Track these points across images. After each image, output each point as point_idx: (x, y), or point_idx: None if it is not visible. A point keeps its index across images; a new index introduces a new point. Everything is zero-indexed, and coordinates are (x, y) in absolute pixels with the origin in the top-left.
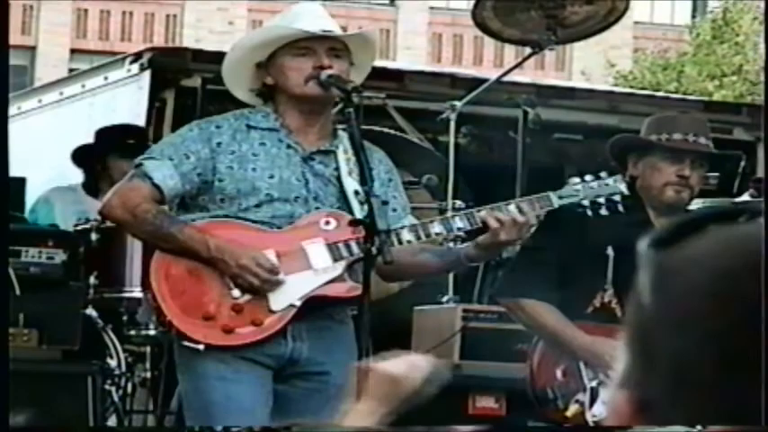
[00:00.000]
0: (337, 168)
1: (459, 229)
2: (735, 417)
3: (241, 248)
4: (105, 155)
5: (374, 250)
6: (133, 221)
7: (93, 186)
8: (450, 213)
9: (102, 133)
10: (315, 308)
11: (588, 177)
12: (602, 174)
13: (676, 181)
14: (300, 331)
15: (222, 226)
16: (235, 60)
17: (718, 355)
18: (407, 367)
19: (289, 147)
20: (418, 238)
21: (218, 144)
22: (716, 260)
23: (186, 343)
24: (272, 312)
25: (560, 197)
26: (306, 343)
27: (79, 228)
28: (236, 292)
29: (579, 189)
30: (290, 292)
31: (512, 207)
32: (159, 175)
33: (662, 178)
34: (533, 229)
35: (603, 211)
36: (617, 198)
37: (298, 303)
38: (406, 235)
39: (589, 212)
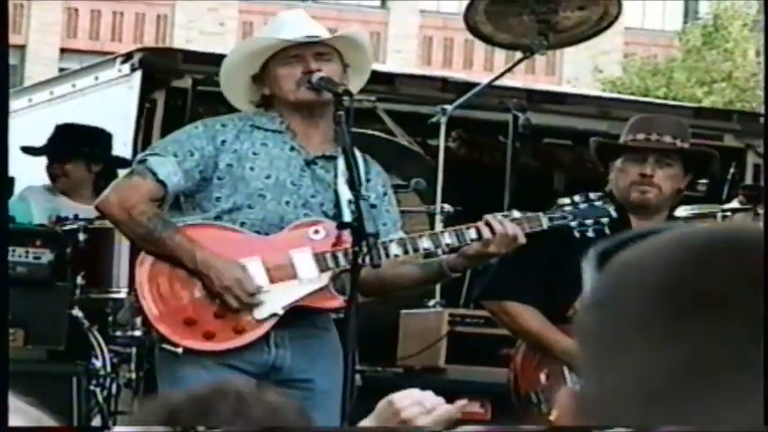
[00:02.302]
0: (336, 176)
1: (447, 245)
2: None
3: (227, 266)
4: (65, 159)
5: (362, 254)
6: (128, 221)
7: (54, 187)
8: (439, 229)
9: (61, 136)
10: (298, 316)
11: (577, 198)
12: (592, 195)
13: (639, 180)
14: (283, 339)
15: (212, 230)
16: (229, 76)
17: (663, 357)
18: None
19: (292, 149)
20: (406, 252)
21: (223, 142)
22: (655, 257)
23: (165, 346)
24: (255, 320)
25: (550, 219)
26: (288, 350)
27: (66, 228)
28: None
29: (568, 210)
30: (274, 301)
31: (501, 218)
32: (163, 171)
33: (627, 179)
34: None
35: (590, 233)
36: (604, 221)
37: (280, 312)
38: (394, 249)
39: (576, 234)
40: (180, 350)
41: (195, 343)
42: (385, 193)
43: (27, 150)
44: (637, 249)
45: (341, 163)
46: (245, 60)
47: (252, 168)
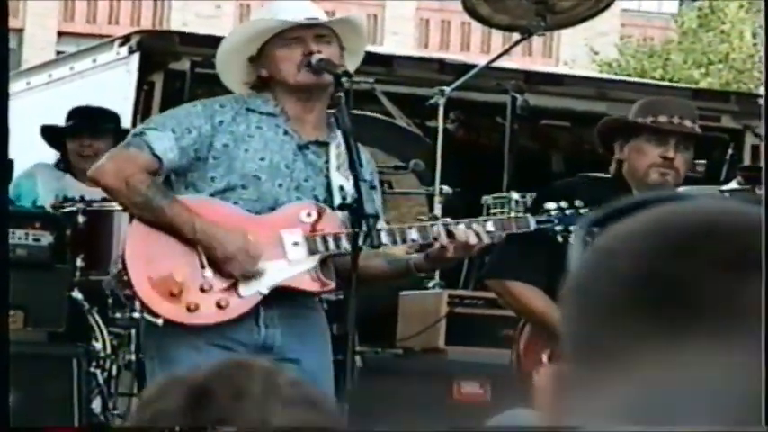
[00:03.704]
0: (327, 161)
1: (434, 238)
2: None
3: (229, 234)
4: (80, 135)
5: (363, 234)
6: (125, 190)
7: (66, 166)
8: (428, 222)
9: (76, 114)
10: (285, 296)
11: (564, 205)
12: (578, 203)
13: (660, 162)
14: (273, 318)
15: (207, 205)
16: (226, 57)
17: (632, 337)
18: None
19: (285, 133)
20: (395, 242)
21: (220, 122)
22: (631, 242)
23: (147, 316)
24: (239, 297)
25: (538, 222)
26: (278, 329)
27: (65, 210)
28: (207, 272)
29: (555, 215)
30: (261, 280)
31: (462, 226)
32: (160, 146)
33: (647, 160)
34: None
35: (572, 240)
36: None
37: (265, 291)
38: (384, 238)
39: (559, 239)
40: (160, 321)
41: (177, 315)
42: (373, 183)
43: (50, 130)
44: (617, 230)
45: (333, 149)
46: (244, 42)
47: (246, 150)
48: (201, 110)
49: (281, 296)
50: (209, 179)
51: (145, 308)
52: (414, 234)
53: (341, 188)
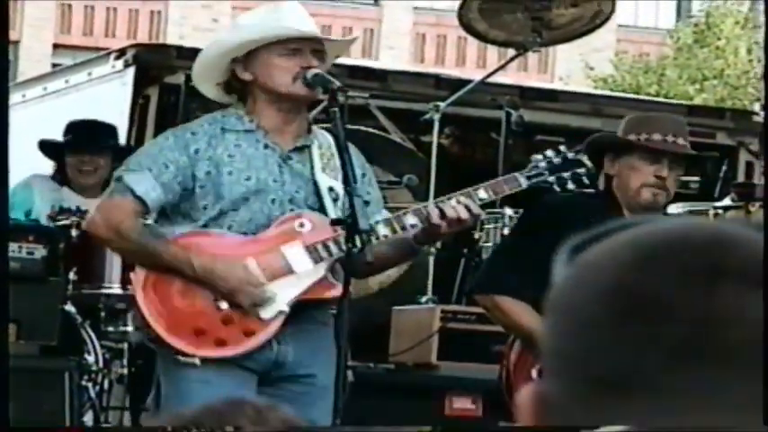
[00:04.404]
0: (312, 166)
1: (427, 218)
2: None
3: (229, 267)
4: (79, 151)
5: (356, 249)
6: (117, 239)
7: (62, 179)
8: (422, 204)
9: (74, 129)
10: (298, 311)
11: (550, 153)
12: (562, 148)
13: (653, 182)
14: (285, 335)
15: (201, 237)
16: (214, 55)
17: (606, 361)
18: None
19: (266, 147)
20: (394, 231)
21: (196, 151)
22: (610, 257)
23: (182, 358)
24: (262, 320)
25: (528, 177)
26: (290, 345)
27: (59, 223)
28: (223, 305)
29: (543, 166)
30: (278, 299)
31: (453, 201)
32: (141, 188)
33: (639, 178)
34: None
35: (570, 185)
36: (581, 171)
37: (286, 309)
38: (382, 230)
39: (556, 187)
40: (197, 360)
41: (210, 351)
42: (364, 174)
43: (48, 144)
44: (599, 247)
45: (315, 150)
46: (244, 44)
47: (230, 173)
48: (174, 142)
49: (295, 312)
50: (202, 208)
51: (178, 353)
52: (411, 219)
53: (330, 189)
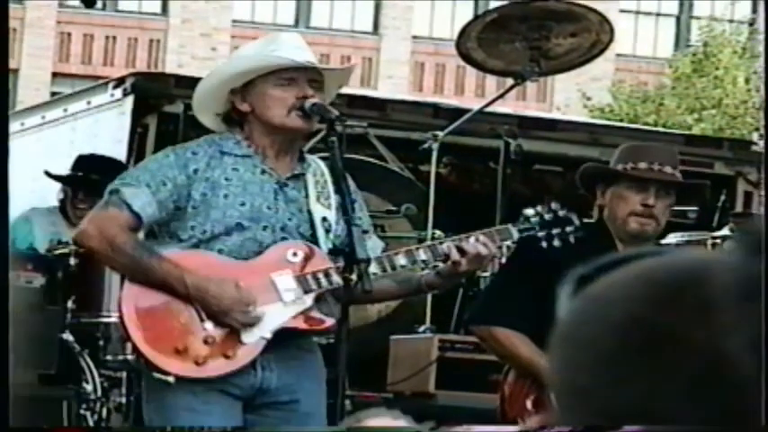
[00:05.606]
0: (307, 195)
1: (423, 261)
2: None
3: (221, 287)
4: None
5: (353, 279)
6: (110, 252)
7: (67, 211)
8: (414, 246)
9: (87, 166)
10: (283, 338)
11: (541, 209)
12: (554, 205)
13: (641, 211)
14: (269, 361)
15: (192, 257)
16: (212, 86)
17: (620, 395)
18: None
19: (263, 172)
20: (384, 270)
21: (195, 171)
22: (619, 291)
23: (157, 375)
24: (243, 345)
25: (519, 230)
26: (275, 372)
27: (58, 252)
28: (208, 325)
29: (535, 221)
30: (261, 325)
31: (471, 240)
32: (138, 202)
33: (627, 208)
34: (497, 260)
35: (556, 242)
36: (570, 229)
37: (268, 336)
38: (372, 267)
39: (543, 244)
40: (172, 379)
41: (186, 370)
42: (354, 201)
43: (54, 177)
44: (606, 281)
45: (310, 179)
46: (240, 74)
47: (226, 196)
48: (174, 160)
49: (279, 339)
50: (190, 228)
51: (153, 367)
52: (402, 260)
53: (323, 219)
